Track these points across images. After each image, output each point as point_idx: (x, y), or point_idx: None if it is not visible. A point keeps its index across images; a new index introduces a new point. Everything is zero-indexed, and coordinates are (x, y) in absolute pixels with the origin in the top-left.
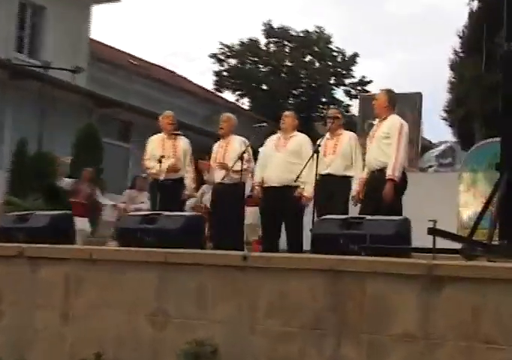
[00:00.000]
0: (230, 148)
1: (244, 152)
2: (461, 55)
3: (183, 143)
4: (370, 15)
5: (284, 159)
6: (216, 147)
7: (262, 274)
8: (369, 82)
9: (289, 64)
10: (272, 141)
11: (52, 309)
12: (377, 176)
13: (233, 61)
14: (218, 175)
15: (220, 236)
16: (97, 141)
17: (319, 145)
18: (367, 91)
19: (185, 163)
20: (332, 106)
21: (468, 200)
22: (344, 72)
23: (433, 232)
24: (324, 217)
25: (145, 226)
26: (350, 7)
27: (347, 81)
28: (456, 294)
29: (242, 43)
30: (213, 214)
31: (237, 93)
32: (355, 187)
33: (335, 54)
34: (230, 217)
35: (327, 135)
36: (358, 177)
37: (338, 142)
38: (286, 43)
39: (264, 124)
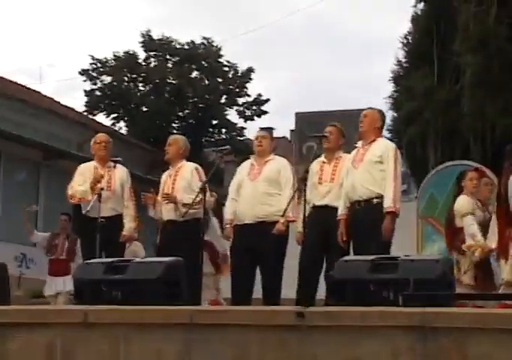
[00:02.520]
0: (180, 177)
1: (206, 182)
2: (405, 65)
3: (120, 172)
4: (273, 24)
5: (259, 189)
6: (165, 177)
7: (325, 335)
8: (266, 101)
9: (173, 81)
10: (244, 169)
11: None
12: (363, 208)
13: (107, 79)
14: (167, 211)
15: None
16: None
17: (307, 171)
18: (264, 112)
19: (124, 197)
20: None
21: (430, 234)
22: (237, 90)
23: None
24: (346, 257)
25: (111, 277)
26: (245, 12)
27: (240, 100)
28: None
29: (116, 58)
30: None
31: (113, 116)
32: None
33: (226, 69)
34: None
35: (322, 158)
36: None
37: (337, 168)
38: (169, 57)
39: (227, 147)
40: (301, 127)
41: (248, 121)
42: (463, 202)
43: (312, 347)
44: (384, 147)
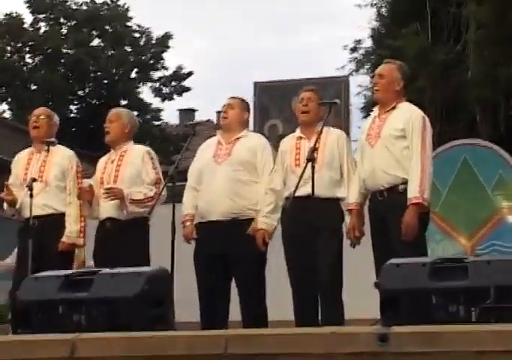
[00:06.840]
0: (126, 164)
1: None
2: (387, 21)
3: (59, 157)
4: None
5: (229, 174)
6: (102, 163)
7: None
8: (189, 74)
9: (69, 51)
10: (208, 148)
11: None
12: (387, 199)
13: None
14: (107, 208)
15: None
16: None
17: (315, 149)
18: (186, 89)
19: (66, 190)
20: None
21: (432, 233)
22: (151, 61)
23: None
24: (396, 260)
25: (71, 296)
26: None
27: (156, 74)
28: None
29: None
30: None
31: None
32: (347, 217)
33: (136, 35)
34: None
35: (298, 132)
36: (349, 202)
37: (319, 145)
38: (63, 20)
39: (199, 121)
40: (262, 100)
41: (166, 101)
42: None
43: None
44: (407, 115)
